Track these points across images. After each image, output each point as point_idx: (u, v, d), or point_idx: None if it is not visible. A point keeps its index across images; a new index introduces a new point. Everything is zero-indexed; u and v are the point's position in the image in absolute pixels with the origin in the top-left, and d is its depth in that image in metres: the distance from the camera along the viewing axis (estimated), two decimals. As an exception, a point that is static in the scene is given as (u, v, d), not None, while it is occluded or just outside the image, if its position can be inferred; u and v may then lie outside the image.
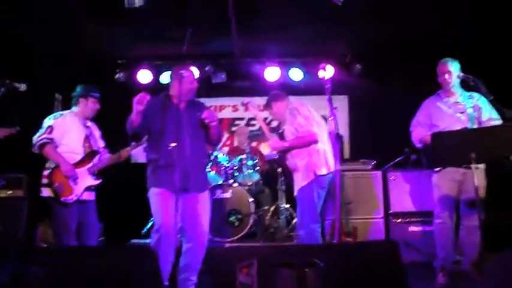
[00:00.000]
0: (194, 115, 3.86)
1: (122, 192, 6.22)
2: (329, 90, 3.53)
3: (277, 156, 5.79)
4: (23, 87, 3.98)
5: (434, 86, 4.34)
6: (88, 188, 4.23)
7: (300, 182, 4.26)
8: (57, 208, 4.10)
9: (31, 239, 5.08)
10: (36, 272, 2.24)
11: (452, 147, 3.48)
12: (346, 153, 7.07)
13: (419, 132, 4.29)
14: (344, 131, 7.17)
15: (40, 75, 5.95)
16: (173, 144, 3.45)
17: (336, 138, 3.46)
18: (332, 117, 3.43)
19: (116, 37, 6.13)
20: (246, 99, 4.01)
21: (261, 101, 7.41)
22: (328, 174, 4.22)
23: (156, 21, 5.61)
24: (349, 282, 2.35)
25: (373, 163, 5.51)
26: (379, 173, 5.37)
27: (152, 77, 6.84)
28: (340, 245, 3.48)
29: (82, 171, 4.20)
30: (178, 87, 3.67)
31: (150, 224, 5.78)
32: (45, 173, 4.15)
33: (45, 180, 4.12)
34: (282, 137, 4.56)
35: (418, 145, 4.35)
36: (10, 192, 5.06)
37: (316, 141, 4.23)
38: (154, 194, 3.72)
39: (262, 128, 4.88)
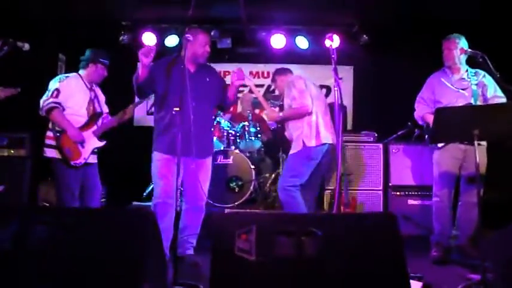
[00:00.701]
0: (203, 79, 3.85)
1: (124, 155, 6.26)
2: (335, 60, 3.49)
3: (275, 126, 5.83)
4: (26, 46, 3.96)
5: (440, 61, 4.30)
6: (93, 151, 4.28)
7: (291, 150, 4.41)
8: (63, 170, 4.14)
9: (34, 199, 5.15)
10: (40, 231, 2.28)
11: (455, 123, 3.45)
12: (349, 124, 7.07)
13: (422, 109, 4.28)
14: (348, 102, 7.15)
15: (44, 36, 5.89)
16: (176, 109, 3.43)
17: (340, 109, 3.45)
18: (337, 88, 3.41)
19: (121, -2, 6.04)
20: (236, 69, 4.03)
21: (264, 68, 7.43)
22: (318, 146, 4.29)
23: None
24: (347, 252, 2.38)
25: (375, 135, 5.51)
26: (380, 145, 5.38)
27: (156, 40, 6.77)
28: (338, 215, 3.51)
29: (88, 134, 4.24)
30: (184, 50, 3.63)
31: (151, 187, 5.83)
32: (50, 134, 4.17)
33: (51, 142, 4.15)
34: (282, 108, 4.65)
35: (420, 122, 4.36)
36: (13, 151, 5.08)
37: (308, 114, 4.33)
38: (156, 160, 3.75)
39: (259, 98, 4.94)
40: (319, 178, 4.60)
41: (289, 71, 4.83)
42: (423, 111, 4.25)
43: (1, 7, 5.44)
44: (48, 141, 4.18)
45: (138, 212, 3.67)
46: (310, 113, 4.34)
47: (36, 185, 5.26)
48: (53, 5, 5.99)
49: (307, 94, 4.35)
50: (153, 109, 4.11)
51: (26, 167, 5.01)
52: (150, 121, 4.36)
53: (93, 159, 4.32)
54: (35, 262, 2.27)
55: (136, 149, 5.06)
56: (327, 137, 4.34)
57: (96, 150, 4.32)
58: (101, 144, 4.33)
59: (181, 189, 3.87)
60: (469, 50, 4.08)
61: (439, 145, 4.15)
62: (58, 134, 4.13)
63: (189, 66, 3.78)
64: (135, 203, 5.74)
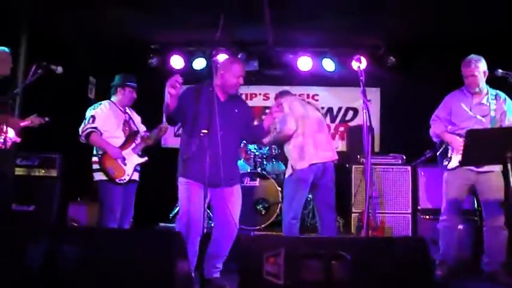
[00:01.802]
0: (232, 110, 3.81)
1: (151, 177, 6.29)
2: (363, 82, 3.48)
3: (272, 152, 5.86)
4: (59, 69, 4.14)
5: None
6: (136, 168, 4.42)
7: (286, 175, 4.46)
8: (108, 190, 4.26)
9: (63, 218, 5.22)
10: (69, 251, 2.30)
11: (488, 146, 3.39)
12: (377, 147, 7.00)
13: (438, 126, 4.22)
14: (375, 123, 7.09)
15: (75, 59, 6.05)
16: (204, 131, 3.43)
17: (368, 131, 3.42)
18: (365, 110, 3.39)
19: (149, 22, 6.16)
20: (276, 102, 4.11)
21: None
22: (305, 168, 4.25)
23: (189, 7, 5.62)
24: (376, 276, 2.34)
25: (403, 157, 5.44)
26: (409, 168, 5.32)
27: (184, 63, 6.87)
28: (368, 239, 3.45)
29: (128, 152, 4.39)
30: (214, 75, 3.61)
31: (177, 209, 5.85)
32: (95, 159, 4.32)
33: (96, 166, 4.30)
34: None
35: (435, 139, 4.30)
36: (43, 171, 5.18)
37: (292, 136, 4.35)
38: (183, 184, 3.71)
39: None
40: (328, 199, 4.44)
41: (285, 93, 4.82)
42: (441, 129, 4.19)
43: (34, 32, 5.61)
44: (94, 166, 4.33)
45: (166, 233, 3.68)
46: (294, 136, 4.34)
47: (65, 205, 5.34)
48: (83, 29, 6.16)
49: (289, 117, 4.35)
50: (180, 131, 4.12)
51: (56, 187, 5.10)
52: (176, 143, 4.39)
53: (136, 176, 4.46)
54: (65, 281, 2.29)
55: (163, 170, 5.09)
56: (318, 156, 4.30)
57: (139, 167, 4.47)
58: (143, 160, 4.49)
59: (209, 211, 3.84)
60: (500, 70, 3.96)
61: (450, 166, 4.07)
62: (100, 156, 4.28)
63: (219, 94, 3.77)
64: (161, 224, 5.76)
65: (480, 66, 4.01)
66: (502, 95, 4.08)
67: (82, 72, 6.64)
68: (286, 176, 4.43)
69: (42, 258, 2.28)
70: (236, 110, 3.85)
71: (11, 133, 4.10)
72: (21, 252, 2.34)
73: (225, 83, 3.77)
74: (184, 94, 3.71)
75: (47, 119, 4.36)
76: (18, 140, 4.19)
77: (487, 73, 4.02)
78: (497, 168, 3.84)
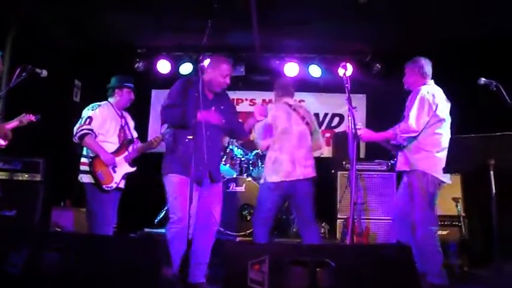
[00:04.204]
0: (219, 107, 3.84)
1: (136, 181, 6.26)
2: (349, 89, 3.50)
3: None
4: (44, 73, 4.09)
5: (454, 88, 4.27)
6: (123, 177, 4.38)
7: None
8: (95, 195, 4.21)
9: (46, 223, 5.15)
10: (52, 257, 2.28)
11: (470, 153, 3.41)
12: (362, 153, 7.03)
13: None
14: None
15: (61, 62, 5.99)
16: (190, 137, 3.45)
17: (353, 138, 3.44)
18: (350, 117, 3.41)
19: (136, 26, 6.14)
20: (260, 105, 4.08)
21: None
22: (274, 182, 4.18)
23: (177, 11, 5.62)
24: (361, 284, 2.35)
25: (388, 164, 5.47)
26: (393, 174, 5.33)
27: (171, 68, 6.85)
28: (352, 247, 3.46)
29: (120, 159, 4.34)
30: (200, 77, 3.56)
31: (162, 214, 5.81)
32: (84, 160, 4.26)
33: (85, 168, 4.23)
34: None
35: None
36: (27, 175, 5.11)
37: (262, 149, 4.40)
38: (172, 182, 3.70)
39: None
40: (303, 212, 4.28)
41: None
42: None
43: (19, 34, 5.56)
44: (82, 167, 4.27)
45: (149, 240, 3.66)
46: (270, 147, 4.28)
47: (49, 210, 5.27)
48: (69, 32, 6.12)
49: (262, 131, 4.31)
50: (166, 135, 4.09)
51: (39, 192, 5.02)
52: (160, 147, 4.39)
53: (122, 184, 4.41)
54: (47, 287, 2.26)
55: (148, 175, 5.07)
56: (294, 173, 4.18)
57: (126, 176, 4.41)
58: (132, 169, 4.43)
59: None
60: (483, 79, 3.97)
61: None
62: (90, 159, 4.21)
63: (206, 92, 3.78)
64: (146, 229, 5.72)
65: (409, 67, 4.29)
66: (415, 92, 4.15)
67: (67, 75, 6.58)
68: (261, 181, 4.39)
69: (24, 265, 2.24)
70: (222, 107, 3.90)
71: None
72: (2, 258, 2.30)
73: (212, 82, 3.79)
74: (177, 93, 3.71)
75: (38, 116, 4.28)
76: (4, 143, 4.13)
77: (481, 81, 4.01)
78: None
